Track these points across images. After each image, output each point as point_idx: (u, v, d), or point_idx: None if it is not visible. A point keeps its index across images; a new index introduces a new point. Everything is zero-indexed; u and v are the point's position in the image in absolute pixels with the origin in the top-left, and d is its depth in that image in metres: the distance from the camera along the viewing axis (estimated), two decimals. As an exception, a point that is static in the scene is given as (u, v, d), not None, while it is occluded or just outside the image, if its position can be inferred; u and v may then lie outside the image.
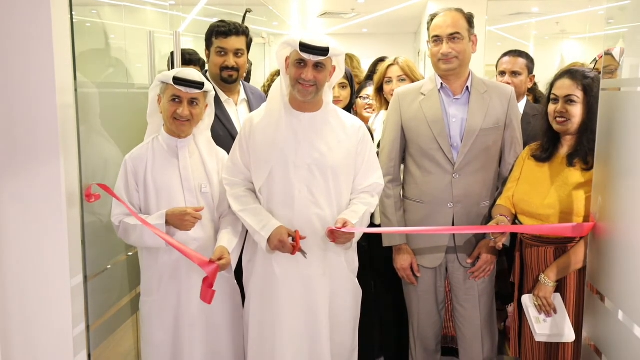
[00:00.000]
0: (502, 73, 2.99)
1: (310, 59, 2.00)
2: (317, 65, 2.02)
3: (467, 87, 2.31)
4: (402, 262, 2.41)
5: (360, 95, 3.18)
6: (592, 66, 2.57)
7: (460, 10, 2.30)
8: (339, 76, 2.15)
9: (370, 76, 3.63)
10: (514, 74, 2.94)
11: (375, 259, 2.69)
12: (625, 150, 1.74)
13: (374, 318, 2.90)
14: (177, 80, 2.09)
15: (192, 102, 2.14)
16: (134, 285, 2.52)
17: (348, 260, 2.23)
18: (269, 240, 2.06)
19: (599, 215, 1.90)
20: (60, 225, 1.97)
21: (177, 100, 2.12)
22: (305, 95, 2.04)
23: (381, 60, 3.66)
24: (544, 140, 2.27)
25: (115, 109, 2.47)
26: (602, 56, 2.47)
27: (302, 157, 2.09)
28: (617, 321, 1.73)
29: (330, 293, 2.17)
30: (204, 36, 2.68)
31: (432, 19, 2.33)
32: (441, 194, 2.31)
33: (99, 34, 2.59)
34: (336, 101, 2.69)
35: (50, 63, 1.90)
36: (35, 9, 1.88)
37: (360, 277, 2.33)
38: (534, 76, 3.07)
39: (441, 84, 2.32)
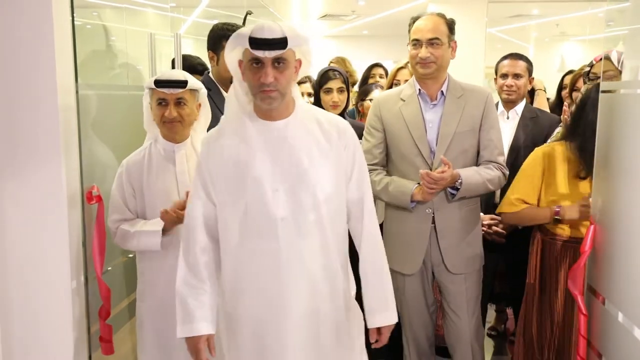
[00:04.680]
0: (504, 75, 3.00)
1: (266, 55, 1.62)
2: (278, 62, 1.64)
3: (442, 91, 2.31)
4: (422, 192, 2.22)
5: (368, 98, 3.18)
6: (587, 69, 2.57)
7: (442, 16, 2.30)
8: (306, 70, 1.79)
9: (365, 80, 3.67)
10: (516, 76, 2.96)
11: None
12: (625, 152, 1.74)
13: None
14: (159, 83, 2.05)
15: (179, 102, 2.06)
16: (133, 288, 2.52)
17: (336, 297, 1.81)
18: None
19: (599, 217, 1.90)
20: (61, 227, 1.98)
21: (163, 103, 2.07)
22: (270, 103, 1.66)
23: (376, 65, 3.70)
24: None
25: (116, 111, 2.47)
26: (600, 59, 2.47)
27: (279, 177, 1.70)
28: (617, 323, 1.73)
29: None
30: (207, 37, 2.66)
31: (413, 22, 2.32)
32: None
33: (100, 36, 2.60)
34: (335, 106, 2.69)
35: (51, 65, 1.90)
36: (36, 11, 1.89)
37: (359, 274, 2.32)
38: (533, 78, 3.08)
39: (419, 89, 2.32)
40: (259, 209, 1.70)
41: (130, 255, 2.50)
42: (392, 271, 2.37)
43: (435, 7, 8.09)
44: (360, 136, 2.73)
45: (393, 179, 2.31)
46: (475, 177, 2.24)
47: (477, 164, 2.33)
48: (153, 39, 2.72)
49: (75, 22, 2.06)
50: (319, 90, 2.73)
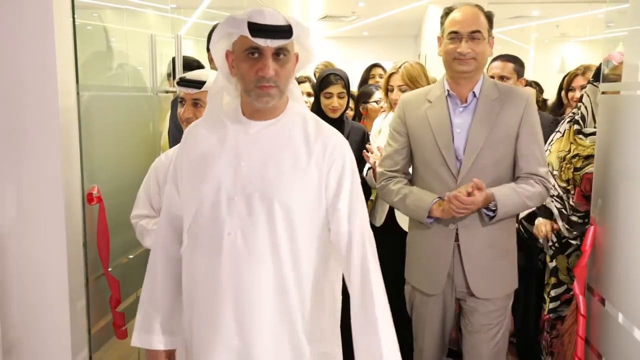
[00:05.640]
0: (491, 77, 3.02)
1: (268, 44, 1.38)
2: (279, 54, 1.41)
3: (475, 92, 2.03)
4: (441, 209, 1.96)
5: (373, 100, 3.17)
6: (605, 70, 2.40)
7: (480, 7, 2.03)
8: (306, 64, 1.54)
9: (365, 81, 3.66)
10: (502, 78, 2.97)
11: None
12: (625, 153, 1.74)
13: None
14: (179, 81, 2.02)
15: (196, 103, 1.99)
16: (135, 288, 2.53)
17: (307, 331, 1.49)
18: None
19: (599, 218, 1.90)
20: (60, 228, 1.98)
21: (183, 102, 2.02)
22: (267, 102, 1.43)
23: (375, 65, 3.69)
24: None
25: (116, 112, 2.48)
26: (621, 62, 2.32)
27: (240, 184, 1.44)
28: (617, 324, 1.73)
29: None
30: (207, 37, 2.67)
31: (447, 13, 2.04)
32: None
33: (101, 38, 2.60)
34: (334, 110, 2.67)
35: (52, 66, 1.90)
36: (37, 12, 1.89)
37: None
38: (525, 80, 3.09)
39: (448, 90, 2.04)
40: (208, 216, 1.46)
41: (131, 256, 2.50)
42: (412, 288, 2.17)
43: (435, 8, 8.10)
44: (362, 138, 2.73)
45: (412, 191, 2.05)
46: (513, 196, 1.94)
47: (514, 176, 2.03)
48: (153, 40, 2.72)
49: (76, 23, 2.06)
50: (319, 94, 2.71)
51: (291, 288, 1.44)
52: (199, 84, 1.96)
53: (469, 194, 1.85)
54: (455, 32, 1.97)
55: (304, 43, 1.46)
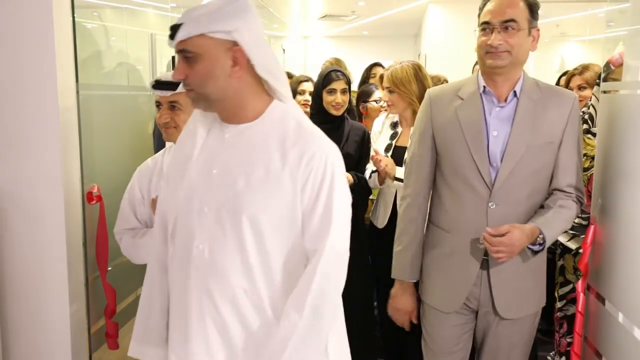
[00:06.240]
0: None
1: (174, 47, 1.31)
2: (186, 56, 1.28)
3: (515, 91, 1.80)
4: (404, 303, 1.95)
5: (373, 99, 3.16)
6: (604, 73, 2.36)
7: None
8: (258, 51, 1.30)
9: (365, 80, 3.65)
10: None
11: (376, 257, 2.69)
12: (625, 152, 1.74)
13: (373, 318, 2.90)
14: (154, 84, 1.85)
15: (173, 106, 1.83)
16: (135, 288, 2.53)
17: None
18: None
19: (599, 217, 1.90)
20: (60, 227, 1.98)
21: (160, 106, 1.86)
22: (196, 106, 1.36)
23: (376, 65, 3.68)
24: None
25: (116, 112, 2.47)
26: (620, 64, 2.28)
27: (212, 195, 1.33)
28: (617, 323, 1.73)
29: None
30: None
31: (484, 5, 1.82)
32: (472, 226, 1.79)
33: (101, 37, 2.60)
34: (337, 107, 2.66)
35: (52, 65, 1.90)
36: (37, 11, 1.89)
37: (361, 275, 2.28)
38: None
39: (484, 87, 1.82)
40: (180, 227, 1.37)
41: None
42: (425, 304, 1.98)
43: (435, 7, 8.10)
44: (362, 137, 2.73)
45: (410, 247, 1.91)
46: (558, 225, 1.77)
47: (549, 188, 1.84)
48: (153, 39, 2.72)
49: (76, 22, 2.06)
50: (321, 91, 2.71)
51: (267, 311, 1.33)
52: (174, 86, 1.81)
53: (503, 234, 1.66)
54: (487, 23, 1.76)
55: (234, 31, 1.26)
